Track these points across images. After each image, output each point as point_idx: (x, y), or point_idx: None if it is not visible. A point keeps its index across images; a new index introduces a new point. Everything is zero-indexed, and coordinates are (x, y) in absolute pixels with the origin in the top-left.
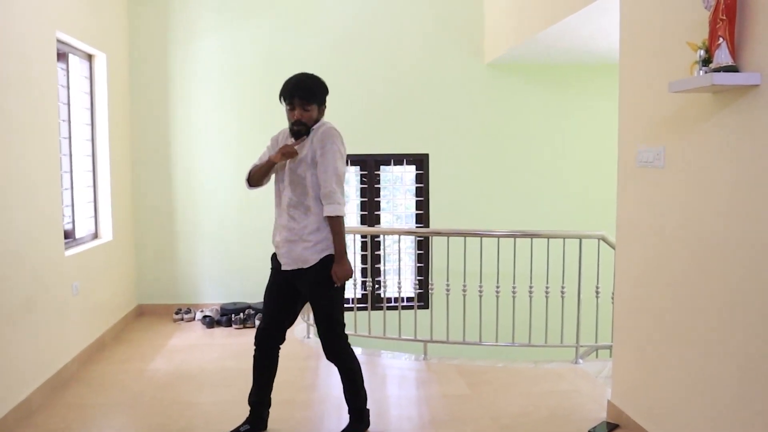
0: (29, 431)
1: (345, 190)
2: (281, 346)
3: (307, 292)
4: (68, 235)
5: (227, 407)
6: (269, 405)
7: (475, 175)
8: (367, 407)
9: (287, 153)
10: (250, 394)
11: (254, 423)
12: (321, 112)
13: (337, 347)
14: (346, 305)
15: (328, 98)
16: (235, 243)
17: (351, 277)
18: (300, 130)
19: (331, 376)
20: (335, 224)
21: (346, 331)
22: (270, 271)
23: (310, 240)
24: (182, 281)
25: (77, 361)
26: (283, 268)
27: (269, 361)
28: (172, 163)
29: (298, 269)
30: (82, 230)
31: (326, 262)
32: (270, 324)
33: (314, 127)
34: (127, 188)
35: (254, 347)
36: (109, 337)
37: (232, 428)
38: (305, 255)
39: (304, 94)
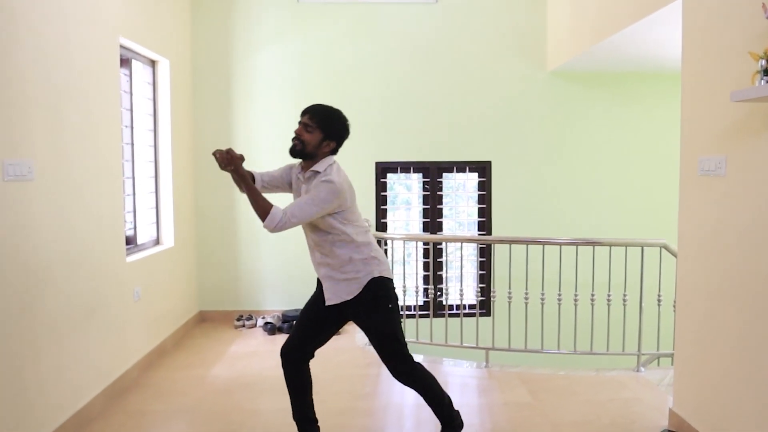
0: None
1: (298, 222)
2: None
3: (359, 320)
4: (130, 241)
5: (288, 415)
6: (315, 422)
7: (537, 182)
8: (456, 409)
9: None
10: (293, 411)
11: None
12: (326, 146)
13: (405, 368)
14: (408, 313)
15: (346, 141)
16: (297, 249)
17: (228, 159)
18: (295, 145)
19: (393, 383)
20: (261, 211)
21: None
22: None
23: (347, 274)
24: (244, 288)
25: (138, 367)
26: (328, 303)
27: (299, 376)
28: None
29: (343, 302)
30: (144, 236)
31: (370, 287)
32: (297, 342)
33: (320, 169)
34: (189, 194)
35: (281, 363)
36: (170, 344)
37: None
38: (349, 289)
39: (313, 113)
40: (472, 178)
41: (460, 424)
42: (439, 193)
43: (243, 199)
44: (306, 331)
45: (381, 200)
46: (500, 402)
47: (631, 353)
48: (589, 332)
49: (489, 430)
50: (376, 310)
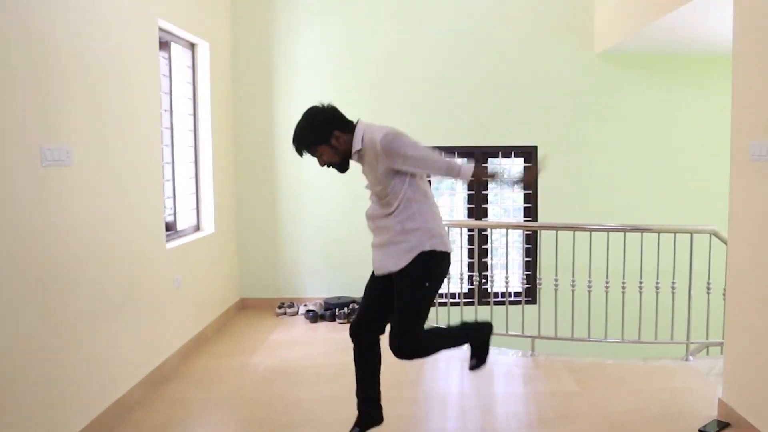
0: (128, 427)
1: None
2: (381, 338)
3: (396, 286)
4: (170, 227)
5: (331, 403)
6: (378, 401)
7: (584, 167)
8: (476, 330)
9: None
10: (357, 391)
11: (363, 422)
12: (338, 140)
13: (409, 346)
14: (452, 300)
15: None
16: (339, 236)
17: (535, 174)
18: (337, 168)
19: (437, 371)
20: (477, 173)
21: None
22: None
23: (398, 241)
24: (285, 275)
25: (178, 355)
26: (376, 273)
27: (369, 354)
28: (276, 155)
29: (390, 273)
30: (183, 222)
31: (416, 262)
32: (364, 318)
33: (358, 145)
34: (230, 180)
35: (352, 343)
36: (211, 331)
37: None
38: (395, 260)
39: (304, 148)
40: (518, 164)
41: (478, 341)
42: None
43: (284, 184)
44: (368, 305)
45: None
46: (547, 391)
47: (679, 342)
48: (636, 320)
49: (535, 420)
50: (411, 285)
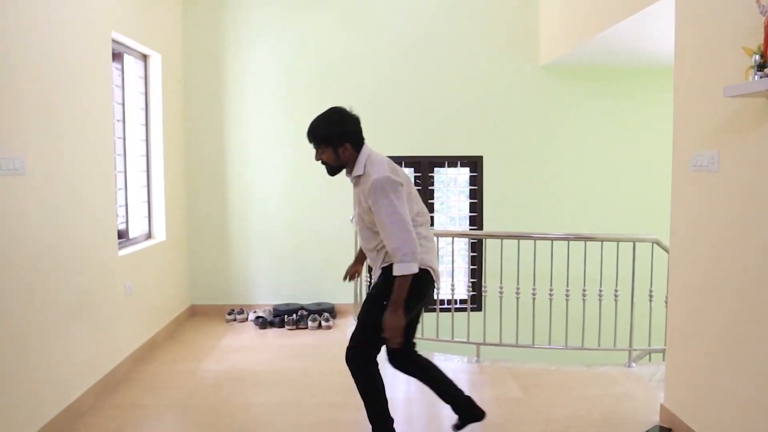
0: None
1: (409, 226)
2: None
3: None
4: (122, 235)
5: (279, 408)
6: (465, 398)
7: (529, 177)
8: None
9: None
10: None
11: (462, 415)
12: (345, 152)
13: (355, 357)
14: None
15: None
16: (288, 244)
17: (398, 331)
18: (326, 169)
19: (384, 377)
20: (401, 279)
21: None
22: None
23: (379, 261)
24: (235, 282)
25: (129, 361)
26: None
27: (419, 373)
28: (226, 163)
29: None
30: (135, 230)
31: (385, 273)
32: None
33: (360, 171)
34: (181, 189)
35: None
36: (162, 337)
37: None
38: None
39: (312, 139)
40: (464, 173)
41: None
42: (430, 187)
43: (234, 193)
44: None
45: None
46: (491, 397)
47: (622, 349)
48: (580, 328)
49: (479, 425)
50: (372, 298)
